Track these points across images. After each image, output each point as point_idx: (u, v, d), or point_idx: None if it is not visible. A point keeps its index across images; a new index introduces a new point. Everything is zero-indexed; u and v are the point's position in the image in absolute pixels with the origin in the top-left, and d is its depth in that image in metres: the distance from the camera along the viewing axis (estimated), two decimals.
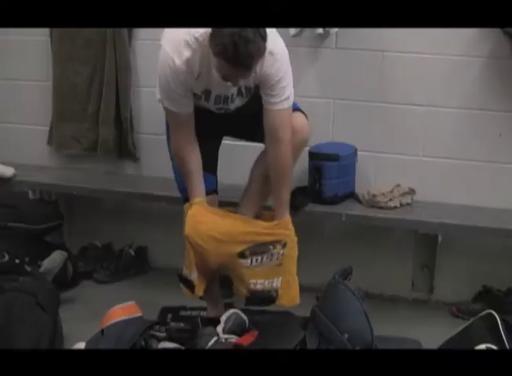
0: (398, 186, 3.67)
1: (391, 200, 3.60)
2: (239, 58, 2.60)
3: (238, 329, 3.09)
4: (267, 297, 3.10)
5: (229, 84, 2.80)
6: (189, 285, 3.15)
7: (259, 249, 3.04)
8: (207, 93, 2.96)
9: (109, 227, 4.19)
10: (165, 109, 3.01)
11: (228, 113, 3.08)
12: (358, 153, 3.69)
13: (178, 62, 2.79)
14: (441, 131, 3.70)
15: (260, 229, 3.07)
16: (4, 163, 3.97)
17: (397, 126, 3.73)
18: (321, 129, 3.69)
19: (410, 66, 3.66)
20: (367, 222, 3.59)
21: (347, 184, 3.70)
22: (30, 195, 3.93)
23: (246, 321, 3.14)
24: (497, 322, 2.85)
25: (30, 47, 4.12)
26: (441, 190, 3.72)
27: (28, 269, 3.49)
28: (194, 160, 3.07)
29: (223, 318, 3.10)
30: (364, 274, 3.57)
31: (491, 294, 3.59)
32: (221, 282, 3.56)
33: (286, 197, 3.10)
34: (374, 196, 3.60)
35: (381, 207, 3.57)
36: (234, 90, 2.96)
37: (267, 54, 2.74)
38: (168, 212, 3.88)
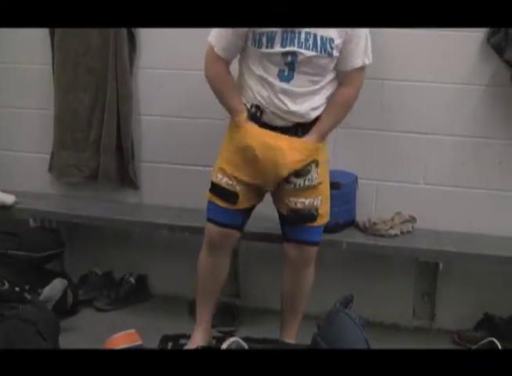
0: (399, 213, 3.68)
1: (391, 228, 3.60)
2: None
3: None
4: (308, 215, 3.15)
5: None
6: (228, 195, 3.14)
7: (301, 173, 3.09)
8: (271, 32, 2.92)
9: (109, 255, 4.17)
10: (209, 51, 3.03)
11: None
12: (359, 180, 3.70)
13: None
14: (441, 159, 3.72)
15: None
16: (5, 191, 3.96)
17: (397, 154, 3.74)
18: None
19: (410, 95, 3.68)
20: (368, 249, 3.59)
21: (348, 212, 3.69)
22: (31, 223, 3.92)
23: (247, 349, 3.14)
24: None
25: (31, 75, 4.13)
26: (441, 218, 3.72)
27: (28, 297, 3.48)
28: (232, 80, 3.12)
29: (224, 347, 3.09)
30: (365, 302, 3.62)
31: (493, 322, 3.58)
32: (224, 310, 3.66)
33: (328, 126, 3.14)
34: (375, 224, 3.60)
35: (382, 235, 3.58)
36: (301, 30, 2.92)
37: None
38: (169, 240, 3.93)
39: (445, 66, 3.61)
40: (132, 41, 3.92)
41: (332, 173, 3.54)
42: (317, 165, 3.13)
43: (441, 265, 3.57)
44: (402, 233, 3.63)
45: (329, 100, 3.08)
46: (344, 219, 3.65)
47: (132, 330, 3.19)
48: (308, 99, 3.04)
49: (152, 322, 3.65)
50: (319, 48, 2.94)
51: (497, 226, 3.67)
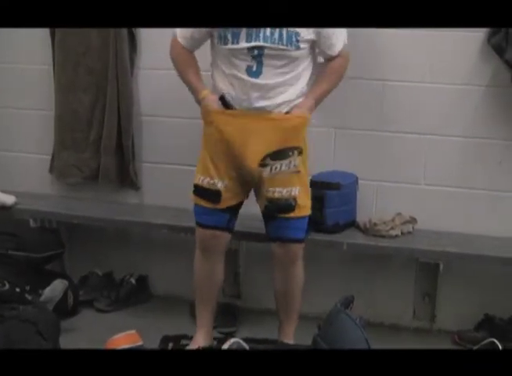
0: (400, 214, 3.68)
1: (392, 228, 3.60)
2: None
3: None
4: (285, 204, 3.14)
5: None
6: (211, 194, 3.16)
7: (278, 156, 3.08)
8: (235, 30, 2.96)
9: (110, 256, 4.17)
10: (174, 43, 3.14)
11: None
12: (360, 181, 3.70)
13: None
14: (442, 160, 3.72)
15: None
16: (5, 191, 3.96)
17: (398, 154, 3.75)
18: (322, 158, 3.70)
19: (411, 95, 3.68)
20: (368, 250, 3.59)
21: (348, 213, 3.69)
22: (31, 223, 3.92)
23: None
24: None
25: (31, 75, 4.13)
26: (442, 218, 3.73)
27: (29, 297, 3.47)
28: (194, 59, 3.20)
29: (224, 347, 3.07)
30: (365, 303, 3.67)
31: (493, 323, 3.58)
32: (224, 311, 3.66)
33: (323, 90, 3.17)
34: (375, 224, 3.60)
35: (383, 236, 3.58)
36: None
37: None
38: (169, 241, 3.92)
39: (445, 67, 3.61)
40: (133, 41, 3.93)
41: (332, 174, 3.67)
42: (300, 153, 3.14)
43: (441, 266, 3.58)
44: (402, 233, 3.62)
45: (321, 72, 3.12)
46: (344, 220, 3.65)
47: (133, 331, 3.17)
48: (283, 92, 3.05)
49: (152, 323, 3.65)
50: (284, 42, 2.94)
51: (497, 227, 3.66)
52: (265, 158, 3.08)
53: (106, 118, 3.97)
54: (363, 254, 3.70)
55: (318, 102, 3.15)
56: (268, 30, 2.91)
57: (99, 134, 4.02)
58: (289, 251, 3.23)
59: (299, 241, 3.24)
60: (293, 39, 2.95)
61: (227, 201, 3.19)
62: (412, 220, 3.68)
